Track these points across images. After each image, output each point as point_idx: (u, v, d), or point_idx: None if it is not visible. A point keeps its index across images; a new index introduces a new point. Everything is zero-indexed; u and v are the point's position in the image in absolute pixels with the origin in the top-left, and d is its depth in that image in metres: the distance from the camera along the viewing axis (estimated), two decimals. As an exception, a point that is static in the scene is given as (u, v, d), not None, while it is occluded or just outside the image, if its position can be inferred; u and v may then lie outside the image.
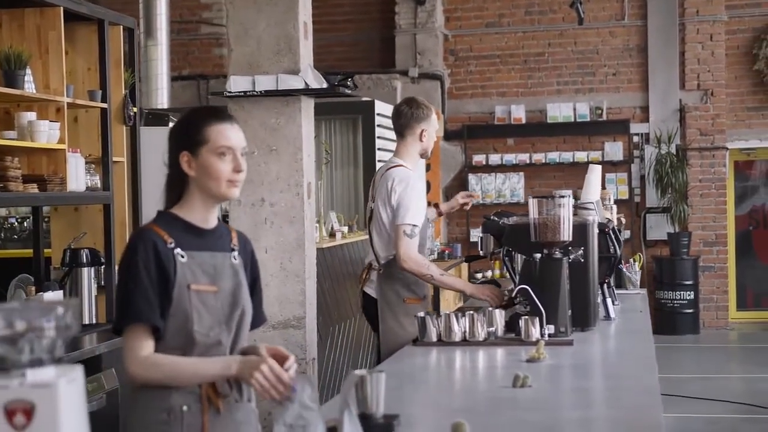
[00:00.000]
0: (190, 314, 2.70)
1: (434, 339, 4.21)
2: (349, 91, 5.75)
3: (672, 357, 10.42)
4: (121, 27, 5.71)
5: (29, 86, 4.90)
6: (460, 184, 12.55)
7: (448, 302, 9.47)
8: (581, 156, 12.41)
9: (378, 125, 9.52)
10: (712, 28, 12.38)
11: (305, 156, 5.51)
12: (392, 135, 5.54)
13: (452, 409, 3.14)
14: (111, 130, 5.43)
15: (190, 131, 2.78)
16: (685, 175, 12.20)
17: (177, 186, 2.80)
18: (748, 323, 12.71)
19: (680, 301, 12.03)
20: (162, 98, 9.51)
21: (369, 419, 2.63)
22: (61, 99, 5.06)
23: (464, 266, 11.15)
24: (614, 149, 12.48)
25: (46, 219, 5.84)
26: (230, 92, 5.45)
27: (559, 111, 12.60)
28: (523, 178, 12.70)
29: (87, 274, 5.21)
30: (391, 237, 4.95)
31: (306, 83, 5.40)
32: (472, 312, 4.23)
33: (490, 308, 4.42)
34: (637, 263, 6.63)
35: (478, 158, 12.74)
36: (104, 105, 5.37)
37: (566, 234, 4.33)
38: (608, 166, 12.16)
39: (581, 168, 10.77)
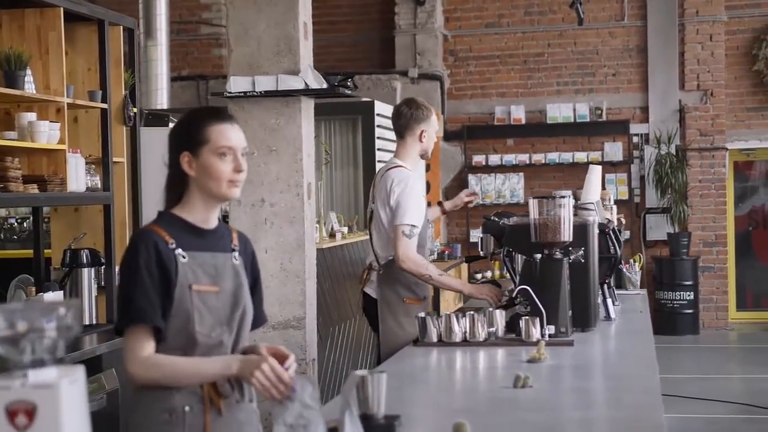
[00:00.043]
0: (191, 315, 2.70)
1: (435, 339, 4.21)
2: (349, 92, 5.75)
3: (672, 357, 10.42)
4: (121, 27, 5.71)
5: (29, 87, 4.89)
6: (459, 184, 12.53)
7: (449, 303, 9.46)
8: (581, 156, 12.41)
9: (378, 126, 9.51)
10: (711, 28, 12.38)
11: (305, 156, 5.51)
12: (392, 135, 5.54)
13: (453, 409, 3.14)
14: (111, 130, 5.43)
15: (190, 131, 2.78)
16: (685, 175, 12.20)
17: (177, 186, 2.80)
18: (747, 324, 12.70)
19: (680, 302, 12.03)
20: (162, 99, 9.50)
21: (370, 420, 2.63)
22: (61, 99, 5.05)
23: (464, 267, 11.13)
24: (614, 150, 12.48)
25: (46, 219, 5.84)
26: (230, 93, 5.45)
27: (559, 111, 12.59)
28: (522, 179, 12.69)
29: (87, 275, 5.21)
30: (391, 237, 4.95)
31: (306, 84, 5.40)
32: (472, 312, 4.23)
33: (491, 309, 4.42)
34: (637, 264, 6.63)
35: (478, 159, 12.74)
36: (104, 105, 5.36)
37: (566, 234, 4.33)
38: (608, 166, 12.16)
39: (581, 168, 10.79)
